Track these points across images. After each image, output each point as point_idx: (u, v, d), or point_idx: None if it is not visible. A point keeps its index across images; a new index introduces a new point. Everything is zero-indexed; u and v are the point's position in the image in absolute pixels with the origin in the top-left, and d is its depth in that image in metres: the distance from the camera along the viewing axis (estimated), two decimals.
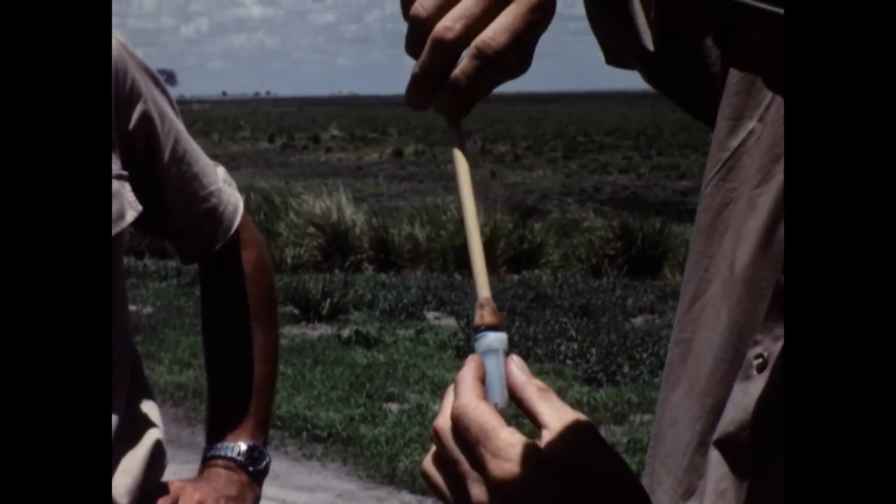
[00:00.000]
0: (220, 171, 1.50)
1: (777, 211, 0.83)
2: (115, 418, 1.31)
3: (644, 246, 11.06)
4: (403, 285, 9.82)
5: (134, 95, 1.31)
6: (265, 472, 1.49)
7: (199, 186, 1.43)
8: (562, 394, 6.40)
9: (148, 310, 8.60)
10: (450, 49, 0.80)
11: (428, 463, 0.78)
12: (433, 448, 0.77)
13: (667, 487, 0.91)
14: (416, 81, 0.82)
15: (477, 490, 0.74)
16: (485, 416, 0.75)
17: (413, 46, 0.82)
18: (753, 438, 0.77)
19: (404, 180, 27.34)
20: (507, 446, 0.74)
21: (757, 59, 0.66)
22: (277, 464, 5.27)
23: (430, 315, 8.60)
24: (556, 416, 0.77)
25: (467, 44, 0.81)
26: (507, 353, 0.79)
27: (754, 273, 0.83)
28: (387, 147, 40.86)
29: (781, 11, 0.59)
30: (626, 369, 6.57)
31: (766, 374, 0.77)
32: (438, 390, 6.30)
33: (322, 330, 8.13)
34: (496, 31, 0.81)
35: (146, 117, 1.33)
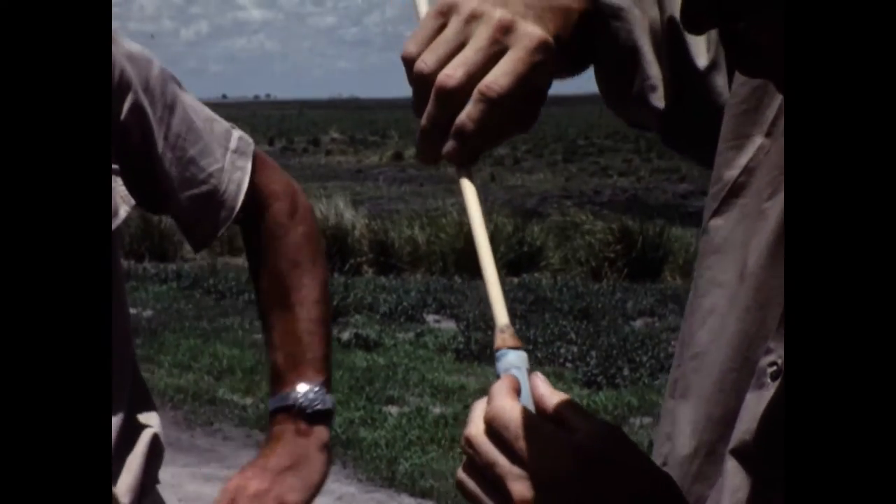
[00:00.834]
0: (233, 140, 1.45)
1: None
2: (117, 418, 1.32)
3: (644, 249, 11.05)
4: (403, 288, 9.82)
5: (123, 86, 1.29)
6: (327, 414, 1.45)
7: (196, 170, 1.40)
8: None
9: (148, 313, 8.60)
10: (453, 96, 0.81)
11: (461, 473, 0.77)
12: (464, 458, 0.77)
13: None
14: (424, 133, 0.83)
15: (519, 487, 0.73)
16: (524, 413, 0.75)
17: (419, 103, 0.83)
18: (770, 446, 0.77)
19: (404, 183, 27.34)
20: (551, 440, 0.74)
21: (766, 59, 0.66)
22: None
23: (430, 318, 8.60)
24: (585, 421, 0.77)
25: (470, 91, 0.81)
26: (529, 371, 0.79)
27: (764, 281, 0.83)
28: (387, 150, 40.85)
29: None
30: (625, 372, 6.57)
31: (780, 381, 0.77)
32: (438, 393, 6.30)
33: None
34: (497, 75, 0.81)
35: (137, 107, 1.31)
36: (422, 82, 0.82)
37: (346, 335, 7.81)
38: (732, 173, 0.88)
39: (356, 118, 77.07)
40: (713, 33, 0.94)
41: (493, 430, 0.75)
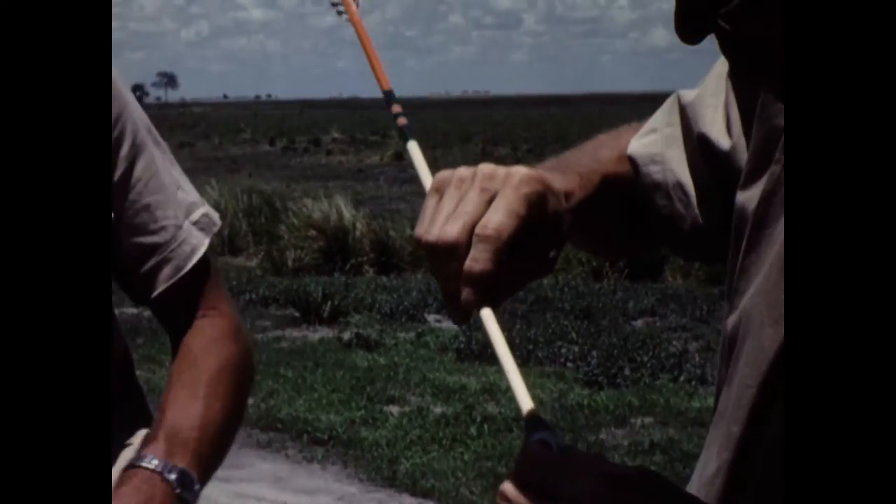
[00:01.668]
0: (197, 213, 1.39)
1: None
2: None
3: None
4: (404, 288, 9.82)
5: None
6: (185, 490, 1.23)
7: (147, 218, 1.33)
8: (563, 396, 6.30)
9: (149, 312, 8.59)
10: (455, 249, 0.83)
11: None
12: None
13: None
14: (446, 296, 0.85)
15: None
16: (549, 453, 0.77)
17: (437, 274, 0.85)
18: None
19: (405, 183, 27.29)
20: (584, 463, 0.76)
21: (761, 63, 0.66)
22: (278, 466, 5.29)
23: (431, 318, 8.60)
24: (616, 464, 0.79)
25: (470, 239, 0.84)
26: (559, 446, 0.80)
27: (776, 298, 0.83)
28: (388, 150, 40.81)
29: None
30: (626, 372, 6.56)
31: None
32: (439, 393, 6.30)
33: (323, 333, 8.12)
34: (490, 216, 0.84)
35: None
36: (431, 252, 0.85)
37: (346, 335, 7.81)
38: (750, 204, 0.90)
39: (357, 118, 77.10)
40: (732, 116, 0.97)
41: (521, 475, 0.77)
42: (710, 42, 0.79)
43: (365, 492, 4.92)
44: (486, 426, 5.58)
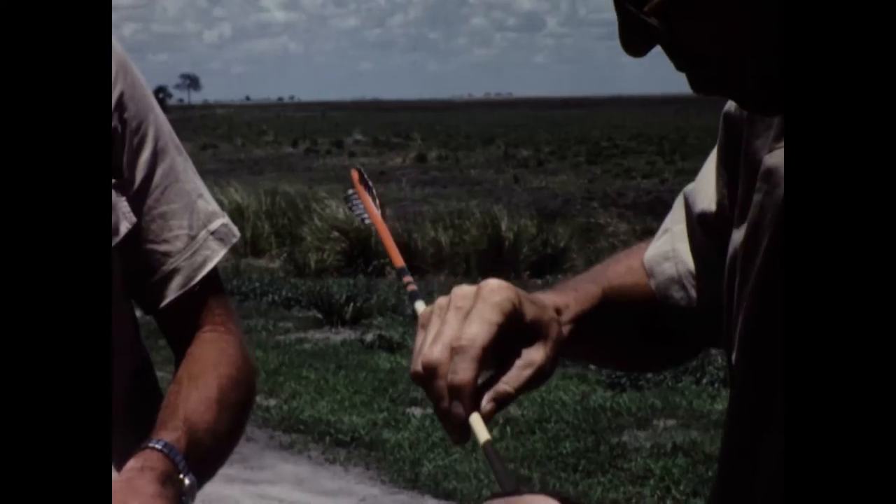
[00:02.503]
0: (216, 223, 1.36)
1: None
2: (120, 440, 1.31)
3: None
4: (426, 290, 9.82)
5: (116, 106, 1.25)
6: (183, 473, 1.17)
7: (162, 225, 1.31)
8: (585, 398, 6.27)
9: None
10: (439, 366, 0.85)
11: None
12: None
13: None
14: (440, 415, 0.86)
15: None
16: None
17: (427, 394, 0.87)
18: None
19: (427, 185, 27.33)
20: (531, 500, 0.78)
21: (708, 71, 0.69)
22: (301, 468, 5.30)
23: None
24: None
25: (451, 356, 0.85)
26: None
27: (771, 319, 0.84)
28: (410, 152, 40.88)
29: None
30: (649, 374, 6.55)
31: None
32: None
33: (345, 334, 8.14)
34: (464, 327, 0.86)
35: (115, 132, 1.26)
36: (421, 379, 0.86)
37: (369, 337, 7.82)
38: (742, 226, 0.93)
39: (379, 120, 77.20)
40: (720, 184, 0.99)
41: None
42: None
43: (387, 493, 4.92)
44: (508, 428, 5.58)
